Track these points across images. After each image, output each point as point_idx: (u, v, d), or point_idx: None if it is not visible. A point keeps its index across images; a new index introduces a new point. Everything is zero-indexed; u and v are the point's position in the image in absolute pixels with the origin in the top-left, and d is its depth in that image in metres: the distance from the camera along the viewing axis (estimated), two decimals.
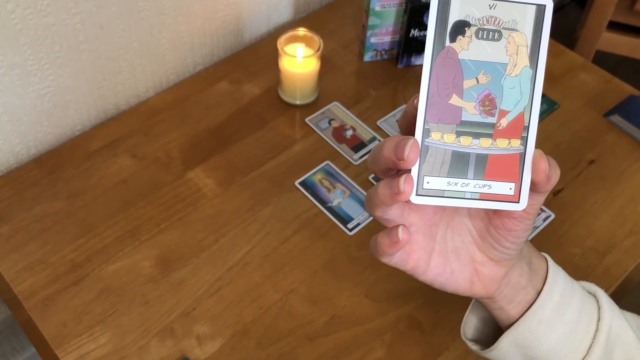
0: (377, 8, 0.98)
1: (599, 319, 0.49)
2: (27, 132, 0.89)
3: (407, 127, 0.41)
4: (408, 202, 0.42)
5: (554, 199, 0.88)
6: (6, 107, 0.84)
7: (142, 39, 0.93)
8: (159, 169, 0.88)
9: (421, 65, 1.05)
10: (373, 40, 1.03)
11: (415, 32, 1.00)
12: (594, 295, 0.51)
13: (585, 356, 0.48)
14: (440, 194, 0.40)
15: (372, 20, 0.99)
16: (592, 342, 0.48)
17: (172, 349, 0.72)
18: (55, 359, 0.71)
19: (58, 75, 0.86)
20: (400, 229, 0.41)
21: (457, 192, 0.40)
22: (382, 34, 1.02)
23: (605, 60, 1.51)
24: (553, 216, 0.86)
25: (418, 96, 0.40)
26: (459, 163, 0.40)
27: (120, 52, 0.92)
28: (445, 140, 0.40)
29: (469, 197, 0.40)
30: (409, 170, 0.40)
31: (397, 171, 0.41)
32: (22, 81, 0.83)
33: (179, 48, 0.99)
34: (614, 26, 1.50)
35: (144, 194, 0.85)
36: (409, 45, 1.02)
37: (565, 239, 0.84)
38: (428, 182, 0.40)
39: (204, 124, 0.94)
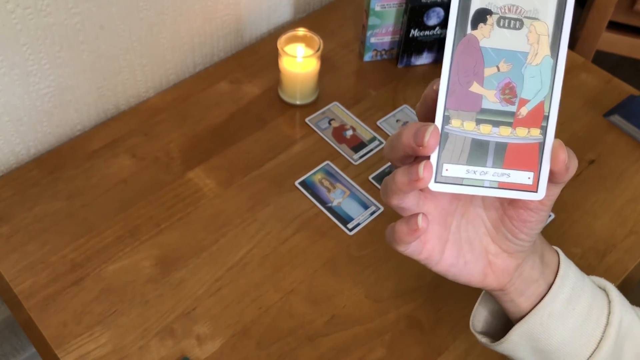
0: (377, 8, 0.98)
1: (609, 313, 0.49)
2: (27, 132, 0.89)
3: (425, 114, 0.41)
4: (425, 190, 0.42)
5: None
6: (6, 107, 0.84)
7: (142, 39, 0.93)
8: (159, 169, 0.88)
9: (421, 66, 1.06)
10: (373, 40, 1.03)
11: (415, 32, 1.00)
12: (604, 290, 0.51)
13: (595, 350, 0.48)
14: (458, 182, 0.40)
15: (372, 20, 0.99)
16: (603, 336, 0.48)
17: (172, 349, 0.72)
18: (55, 359, 0.71)
19: (58, 75, 0.86)
20: (420, 217, 0.41)
21: (476, 180, 0.40)
22: (382, 34, 1.02)
23: (605, 60, 1.51)
24: (553, 216, 0.86)
25: (437, 81, 0.40)
26: (479, 151, 0.40)
27: (120, 52, 0.92)
28: (465, 127, 0.40)
29: (488, 186, 0.40)
30: (428, 157, 0.40)
31: (415, 159, 0.41)
32: (22, 81, 0.83)
33: (179, 48, 0.99)
34: (614, 26, 1.50)
35: (144, 194, 0.85)
36: (409, 45, 1.02)
37: (565, 239, 0.84)
38: (447, 170, 0.40)
39: (204, 124, 0.94)
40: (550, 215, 0.86)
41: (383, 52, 1.05)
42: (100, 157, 0.89)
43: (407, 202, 0.42)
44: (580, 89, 1.03)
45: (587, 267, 0.81)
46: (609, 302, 0.50)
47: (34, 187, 0.85)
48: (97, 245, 0.80)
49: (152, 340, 0.73)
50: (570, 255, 0.82)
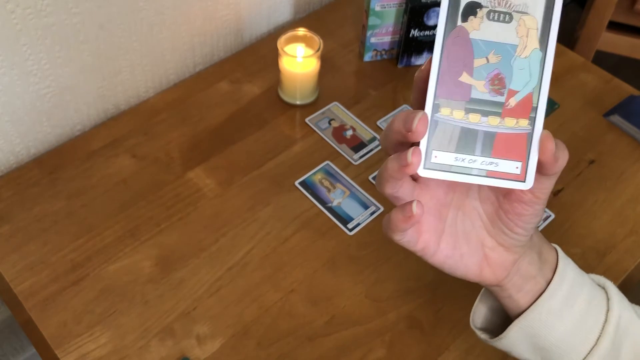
0: (377, 8, 0.98)
1: (607, 311, 0.49)
2: (27, 132, 0.89)
3: (419, 99, 0.42)
4: (418, 180, 0.42)
5: (554, 199, 0.88)
6: (6, 107, 0.84)
7: (142, 39, 0.93)
8: (159, 169, 0.88)
9: (421, 66, 1.05)
10: (373, 40, 1.03)
11: (415, 32, 1.00)
12: (603, 288, 0.51)
13: (593, 347, 0.48)
14: (447, 169, 0.41)
15: (372, 20, 0.99)
16: (601, 333, 0.48)
17: (172, 349, 0.72)
18: (55, 359, 0.71)
19: (58, 75, 0.86)
20: (414, 204, 0.41)
21: (464, 167, 0.41)
22: (382, 34, 1.02)
23: (605, 60, 1.51)
24: (553, 216, 0.86)
25: (426, 64, 0.41)
26: (467, 139, 0.41)
27: (120, 52, 0.92)
28: (454, 116, 0.40)
29: (476, 174, 0.41)
30: (418, 144, 0.40)
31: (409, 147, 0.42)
32: (22, 81, 0.83)
33: (179, 48, 0.99)
34: (614, 26, 1.50)
35: (144, 194, 0.86)
36: (409, 45, 1.02)
37: (565, 239, 0.84)
38: (436, 157, 0.40)
39: (204, 124, 0.94)
40: (550, 215, 0.86)
41: (383, 52, 1.05)
42: (100, 157, 0.89)
43: (402, 191, 0.42)
44: (580, 89, 1.03)
45: (587, 267, 0.81)
46: (608, 299, 0.50)
47: (34, 187, 0.86)
48: (97, 245, 0.80)
49: (152, 340, 0.73)
50: (570, 256, 0.82)
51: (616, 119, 0.98)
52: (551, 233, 0.84)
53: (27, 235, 0.81)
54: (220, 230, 0.82)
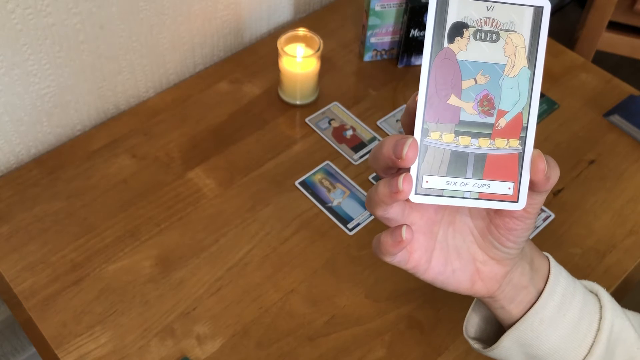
0: (377, 8, 0.98)
1: (600, 318, 0.49)
2: (27, 132, 0.89)
3: (410, 124, 0.42)
4: (408, 201, 0.42)
5: (554, 199, 0.88)
6: (6, 107, 0.84)
7: (142, 39, 0.93)
8: (159, 169, 0.88)
9: (421, 66, 1.05)
10: (373, 40, 1.03)
11: (415, 32, 1.00)
12: (596, 294, 0.51)
13: (586, 355, 0.48)
14: (439, 193, 0.40)
15: (372, 20, 0.99)
16: (594, 341, 0.48)
17: (172, 349, 0.72)
18: (55, 359, 0.71)
19: (58, 75, 0.86)
20: (404, 229, 0.41)
21: (456, 191, 0.40)
22: (382, 34, 1.02)
23: (605, 60, 1.51)
24: (553, 216, 0.86)
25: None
26: (458, 163, 0.40)
27: (120, 52, 0.92)
28: (444, 139, 0.40)
29: (468, 197, 0.40)
30: (409, 169, 0.40)
31: (397, 170, 0.41)
32: (22, 81, 0.83)
33: (179, 48, 0.99)
34: (614, 26, 1.50)
35: (144, 194, 0.86)
36: (409, 45, 1.02)
37: (565, 239, 0.84)
38: (427, 182, 0.40)
39: (204, 124, 0.94)
40: (550, 215, 0.86)
41: (383, 52, 1.05)
42: (100, 157, 0.89)
43: (392, 213, 0.42)
44: (580, 89, 1.03)
45: (587, 267, 0.81)
46: (600, 307, 0.50)
47: (34, 187, 0.85)
48: (97, 245, 0.80)
49: (152, 340, 0.73)
50: (570, 256, 0.83)
51: (616, 119, 0.98)
52: (551, 233, 0.84)
53: (27, 235, 0.81)
54: (220, 230, 0.82)
